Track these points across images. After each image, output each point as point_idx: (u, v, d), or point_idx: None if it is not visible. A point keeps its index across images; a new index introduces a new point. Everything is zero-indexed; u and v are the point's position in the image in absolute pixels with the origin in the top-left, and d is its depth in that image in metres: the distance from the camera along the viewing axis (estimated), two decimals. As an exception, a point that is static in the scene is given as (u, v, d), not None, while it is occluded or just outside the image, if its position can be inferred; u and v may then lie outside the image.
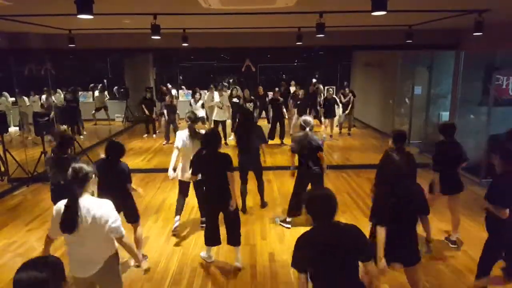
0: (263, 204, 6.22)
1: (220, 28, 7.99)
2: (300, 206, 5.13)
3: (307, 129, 5.11)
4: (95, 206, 2.74)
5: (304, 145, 5.10)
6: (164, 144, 10.45)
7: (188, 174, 4.54)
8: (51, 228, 2.85)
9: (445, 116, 9.35)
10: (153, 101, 11.80)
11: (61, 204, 2.76)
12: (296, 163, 5.42)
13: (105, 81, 16.26)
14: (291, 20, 6.63)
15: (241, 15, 5.84)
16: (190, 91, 14.01)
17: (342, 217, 5.70)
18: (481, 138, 7.55)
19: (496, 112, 7.45)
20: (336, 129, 11.67)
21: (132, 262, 4.44)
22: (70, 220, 2.65)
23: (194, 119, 5.07)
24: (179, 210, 5.21)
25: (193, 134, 4.97)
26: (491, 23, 5.90)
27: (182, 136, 5.01)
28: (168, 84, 15.08)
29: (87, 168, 2.81)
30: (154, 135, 11.66)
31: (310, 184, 5.24)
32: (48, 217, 5.14)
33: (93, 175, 2.85)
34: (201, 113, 10.26)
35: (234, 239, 4.43)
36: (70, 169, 2.78)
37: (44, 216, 5.84)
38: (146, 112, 11.30)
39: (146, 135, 11.70)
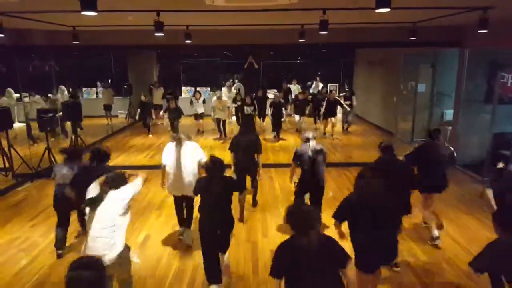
0: (254, 203, 6.14)
1: (223, 25, 7.98)
2: None
3: (310, 142, 4.95)
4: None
5: (307, 158, 4.92)
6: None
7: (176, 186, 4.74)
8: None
9: (449, 114, 9.30)
10: (150, 104, 11.71)
11: None
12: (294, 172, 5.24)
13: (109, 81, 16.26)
14: (294, 17, 6.62)
15: (244, 12, 5.84)
16: (193, 88, 14.10)
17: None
18: (485, 136, 7.52)
19: (501, 110, 7.42)
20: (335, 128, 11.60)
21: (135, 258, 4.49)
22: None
23: (178, 138, 4.85)
24: (180, 221, 5.12)
25: (178, 142, 4.77)
26: (496, 20, 5.86)
27: (168, 148, 4.84)
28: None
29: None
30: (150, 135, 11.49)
31: (309, 192, 5.10)
32: (51, 213, 5.17)
33: None
34: (201, 109, 11.29)
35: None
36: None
37: (48, 211, 5.84)
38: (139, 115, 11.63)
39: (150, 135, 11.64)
